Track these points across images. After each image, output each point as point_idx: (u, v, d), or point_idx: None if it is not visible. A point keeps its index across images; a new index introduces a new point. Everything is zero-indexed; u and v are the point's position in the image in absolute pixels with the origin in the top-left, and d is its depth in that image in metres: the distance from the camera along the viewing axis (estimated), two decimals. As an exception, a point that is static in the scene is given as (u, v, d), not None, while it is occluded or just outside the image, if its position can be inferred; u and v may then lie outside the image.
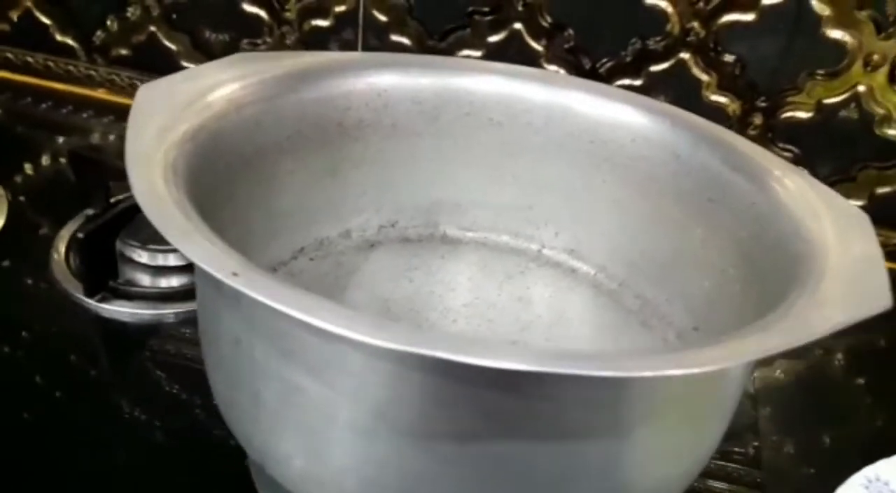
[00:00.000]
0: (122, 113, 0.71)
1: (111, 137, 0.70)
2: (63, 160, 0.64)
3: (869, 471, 0.39)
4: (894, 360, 0.54)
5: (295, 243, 0.41)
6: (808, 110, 0.58)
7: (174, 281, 0.51)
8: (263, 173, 0.37)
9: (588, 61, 0.60)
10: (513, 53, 0.61)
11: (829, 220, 0.30)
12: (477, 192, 0.45)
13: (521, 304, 0.43)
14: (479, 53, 0.62)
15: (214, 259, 0.21)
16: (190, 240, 0.23)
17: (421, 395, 0.23)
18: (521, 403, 0.23)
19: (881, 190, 0.59)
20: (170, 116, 0.31)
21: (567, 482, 0.25)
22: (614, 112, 0.40)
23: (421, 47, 0.63)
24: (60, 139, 0.68)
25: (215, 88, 0.34)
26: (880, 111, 0.56)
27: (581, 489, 0.26)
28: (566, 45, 0.60)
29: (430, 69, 0.41)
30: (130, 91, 0.72)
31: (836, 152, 0.58)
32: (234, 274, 0.21)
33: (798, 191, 0.32)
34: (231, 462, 0.37)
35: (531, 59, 0.61)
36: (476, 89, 0.42)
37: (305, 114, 0.38)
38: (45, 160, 0.64)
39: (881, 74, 0.55)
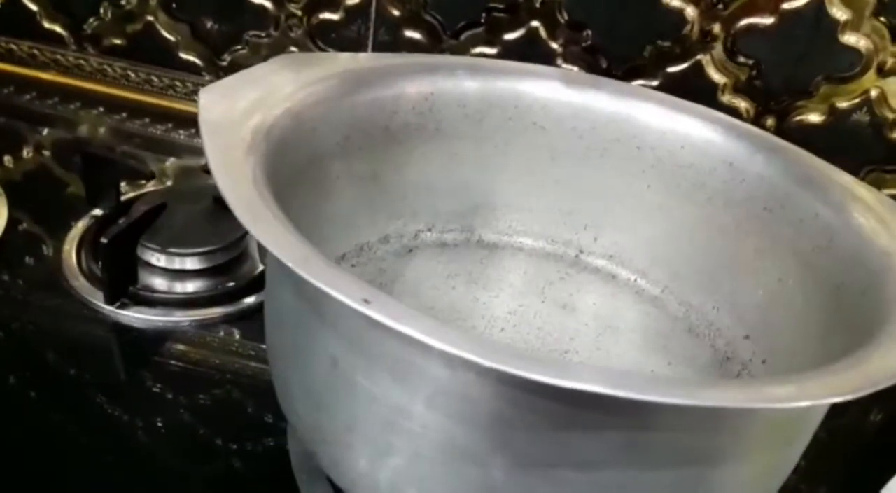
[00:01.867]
0: (112, 105, 0.68)
1: (101, 130, 0.67)
2: (48, 154, 0.61)
3: None
4: None
5: (337, 250, 0.40)
6: (820, 114, 0.58)
7: (189, 286, 0.49)
8: (316, 180, 0.36)
9: (605, 61, 0.60)
10: (529, 52, 0.60)
11: (904, 235, 0.30)
12: (514, 196, 0.44)
13: (565, 311, 0.42)
14: (493, 51, 0.61)
15: (344, 285, 0.20)
16: (310, 264, 0.21)
17: (532, 420, 0.23)
18: (631, 430, 0.23)
19: (888, 192, 0.60)
20: (239, 121, 0.29)
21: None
22: (664, 119, 0.40)
23: (434, 44, 0.61)
24: (45, 131, 0.65)
25: (274, 91, 0.33)
26: (891, 116, 0.57)
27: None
28: (583, 44, 0.60)
29: (478, 73, 0.40)
30: (123, 82, 0.69)
31: (847, 156, 0.58)
32: (366, 301, 0.20)
33: (867, 204, 0.33)
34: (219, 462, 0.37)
35: (547, 58, 0.60)
36: (522, 93, 0.41)
37: (356, 118, 0.37)
38: (26, 152, 0.61)
39: (894, 80, 0.56)
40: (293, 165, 0.33)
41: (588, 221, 0.44)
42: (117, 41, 0.68)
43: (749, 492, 0.27)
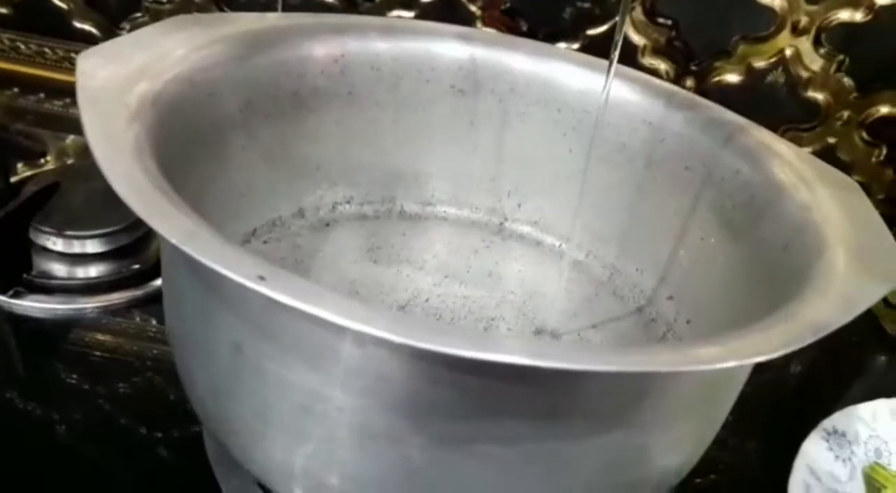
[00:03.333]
0: (1, 80, 0.63)
1: (-9, 109, 0.62)
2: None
3: (827, 423, 0.40)
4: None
5: (247, 225, 0.38)
6: (738, 74, 0.59)
7: (92, 271, 0.45)
8: (218, 150, 0.33)
9: (525, 24, 0.58)
10: (447, 15, 0.58)
11: (823, 189, 0.30)
12: (436, 164, 0.42)
13: (491, 279, 0.41)
14: (411, 14, 0.59)
15: (236, 262, 0.18)
16: (196, 239, 0.19)
17: (454, 396, 0.21)
18: (552, 399, 0.22)
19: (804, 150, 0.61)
20: (124, 88, 0.26)
21: (591, 474, 0.24)
22: (583, 79, 0.39)
23: (349, 9, 0.59)
24: (-71, 111, 0.60)
25: (165, 54, 0.30)
26: (805, 75, 0.58)
27: (604, 481, 0.25)
28: (503, 7, 0.58)
29: (390, 33, 0.38)
30: (12, 55, 0.64)
31: (764, 115, 0.59)
32: (261, 278, 0.18)
33: (786, 160, 0.32)
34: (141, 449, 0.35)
35: (466, 22, 0.58)
36: (438, 55, 0.39)
37: (258, 82, 0.34)
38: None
39: (807, 38, 0.57)
40: (189, 134, 0.30)
41: (511, 188, 0.43)
42: (3, 10, 0.62)
43: (678, 453, 0.27)
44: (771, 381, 0.50)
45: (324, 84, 0.37)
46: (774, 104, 0.60)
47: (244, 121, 0.34)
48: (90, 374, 0.39)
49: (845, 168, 0.62)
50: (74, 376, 0.40)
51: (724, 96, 0.59)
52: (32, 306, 0.43)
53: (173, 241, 0.19)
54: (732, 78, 0.59)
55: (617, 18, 0.57)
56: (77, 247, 0.45)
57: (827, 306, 0.22)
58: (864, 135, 0.60)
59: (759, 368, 0.49)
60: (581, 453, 0.22)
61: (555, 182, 0.42)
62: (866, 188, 0.63)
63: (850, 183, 0.31)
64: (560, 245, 0.43)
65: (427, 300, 0.39)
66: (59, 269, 0.45)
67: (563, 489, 0.24)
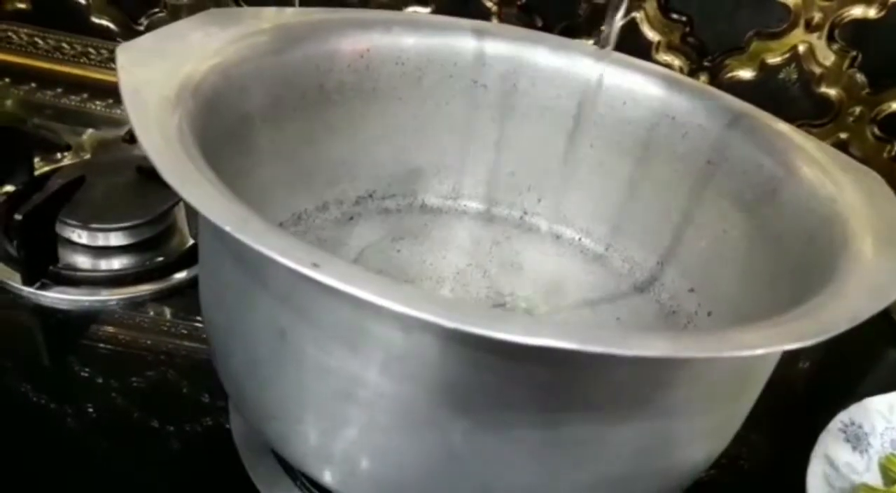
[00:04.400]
0: (18, 75, 0.64)
1: (8, 103, 0.62)
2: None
3: (844, 416, 0.41)
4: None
5: (273, 219, 0.38)
6: (751, 70, 0.59)
7: (115, 263, 0.46)
8: (247, 143, 0.34)
9: (540, 20, 0.59)
10: (462, 11, 0.58)
11: (846, 180, 0.31)
12: (457, 157, 0.43)
13: (513, 270, 0.42)
14: (427, 10, 0.59)
15: (292, 250, 0.19)
16: (252, 229, 0.20)
17: (491, 379, 0.22)
18: (582, 384, 0.22)
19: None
20: (164, 80, 0.27)
21: (620, 461, 0.24)
22: (605, 74, 0.39)
23: (363, 1, 0.59)
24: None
25: (200, 47, 0.30)
26: (818, 71, 0.58)
27: (634, 467, 0.25)
28: (518, 3, 0.58)
29: (415, 28, 0.39)
30: (31, 50, 0.64)
31: (777, 111, 0.59)
32: (315, 265, 0.19)
33: (809, 154, 0.33)
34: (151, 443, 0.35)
35: (482, 17, 0.58)
36: (461, 50, 0.40)
37: (288, 77, 0.35)
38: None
39: (820, 35, 0.57)
40: (222, 126, 0.31)
41: (531, 182, 0.44)
42: (22, 5, 0.63)
43: (707, 442, 0.27)
44: (786, 376, 0.51)
45: (349, 79, 0.38)
46: (787, 100, 0.60)
47: (273, 115, 0.35)
48: (105, 366, 0.40)
49: (857, 164, 0.62)
50: (88, 368, 0.40)
51: (737, 92, 0.59)
52: (58, 297, 0.43)
53: (227, 228, 0.19)
54: (746, 74, 0.59)
55: (632, 14, 0.58)
56: (101, 240, 0.46)
57: (858, 295, 0.23)
58: (876, 130, 0.61)
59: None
60: (614, 439, 0.23)
61: (575, 177, 0.42)
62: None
63: (870, 173, 0.31)
64: (580, 239, 0.43)
65: (451, 290, 0.40)
66: (83, 261, 0.45)
67: (596, 475, 0.24)
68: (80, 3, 0.62)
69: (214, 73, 0.30)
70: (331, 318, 0.22)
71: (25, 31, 0.63)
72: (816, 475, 0.37)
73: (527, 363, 0.21)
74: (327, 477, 0.25)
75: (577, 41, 0.41)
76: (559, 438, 0.22)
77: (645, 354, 0.18)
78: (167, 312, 0.44)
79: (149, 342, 0.42)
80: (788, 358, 0.51)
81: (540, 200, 0.44)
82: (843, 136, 0.61)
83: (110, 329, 0.42)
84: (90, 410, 0.37)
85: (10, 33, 0.63)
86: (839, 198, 0.30)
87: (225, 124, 0.31)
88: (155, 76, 0.27)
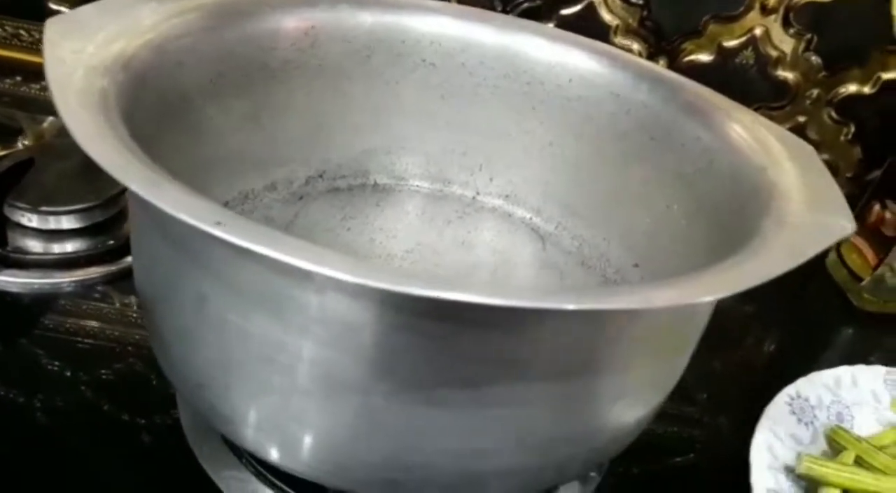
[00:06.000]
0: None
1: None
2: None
3: (791, 389, 0.42)
4: (786, 288, 0.57)
5: (218, 198, 0.38)
6: (709, 53, 0.60)
7: (69, 246, 0.46)
8: (187, 120, 0.34)
9: (500, 4, 0.59)
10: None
11: (779, 152, 0.31)
12: (409, 138, 0.43)
13: (463, 248, 0.42)
14: (386, -5, 0.59)
15: (194, 209, 0.19)
16: (164, 191, 0.20)
17: (418, 343, 0.22)
18: (517, 343, 0.22)
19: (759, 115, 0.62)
20: (92, 53, 0.27)
21: (557, 420, 0.25)
22: (552, 52, 0.40)
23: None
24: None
25: (134, 22, 0.30)
26: (774, 54, 0.59)
27: (571, 426, 0.25)
28: (477, -13, 0.59)
29: (362, 6, 0.39)
30: (-12, 37, 0.64)
31: (735, 94, 0.60)
32: (219, 223, 0.19)
33: (745, 126, 0.33)
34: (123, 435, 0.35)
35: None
36: (409, 28, 0.40)
37: (228, 53, 0.35)
38: None
39: (776, 18, 0.58)
40: (159, 103, 0.31)
41: (483, 162, 0.44)
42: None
43: (633, 403, 0.27)
44: (743, 357, 0.51)
45: (294, 57, 0.37)
46: (745, 83, 0.61)
47: (215, 92, 0.35)
48: (65, 349, 0.40)
49: (815, 147, 0.63)
50: (49, 351, 0.39)
51: (696, 76, 0.60)
52: (8, 280, 0.43)
53: (132, 187, 0.19)
54: (704, 57, 0.60)
55: (590, -1, 0.58)
56: (52, 223, 0.45)
57: (772, 256, 0.23)
58: (833, 113, 0.62)
59: (729, 345, 0.50)
60: (537, 398, 0.23)
61: (526, 156, 0.42)
62: (834, 167, 0.64)
63: (802, 144, 0.32)
64: (531, 217, 0.43)
65: (399, 266, 0.40)
66: (34, 245, 0.45)
67: (522, 435, 0.24)
68: (37, -11, 0.62)
69: (148, 48, 0.30)
70: (246, 281, 0.22)
71: (-17, 18, 0.63)
72: (760, 446, 0.38)
73: (443, 323, 0.21)
74: (255, 445, 0.25)
75: (522, 20, 0.41)
76: (480, 397, 0.22)
77: (545, 306, 0.18)
78: (118, 294, 0.44)
79: (117, 334, 0.41)
80: (748, 337, 0.52)
81: (492, 179, 0.44)
82: (801, 119, 0.62)
83: (63, 311, 0.42)
84: (59, 403, 0.37)
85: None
86: (770, 167, 0.30)
87: (160, 100, 0.31)
88: (83, 49, 0.27)
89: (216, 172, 0.37)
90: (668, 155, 0.36)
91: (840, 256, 0.57)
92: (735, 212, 0.30)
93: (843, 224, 0.25)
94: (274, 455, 0.25)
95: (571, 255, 0.41)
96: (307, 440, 0.24)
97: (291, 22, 0.36)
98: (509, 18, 0.40)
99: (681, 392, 0.45)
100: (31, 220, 0.45)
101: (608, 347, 0.24)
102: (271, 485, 0.32)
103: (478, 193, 0.44)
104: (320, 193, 0.42)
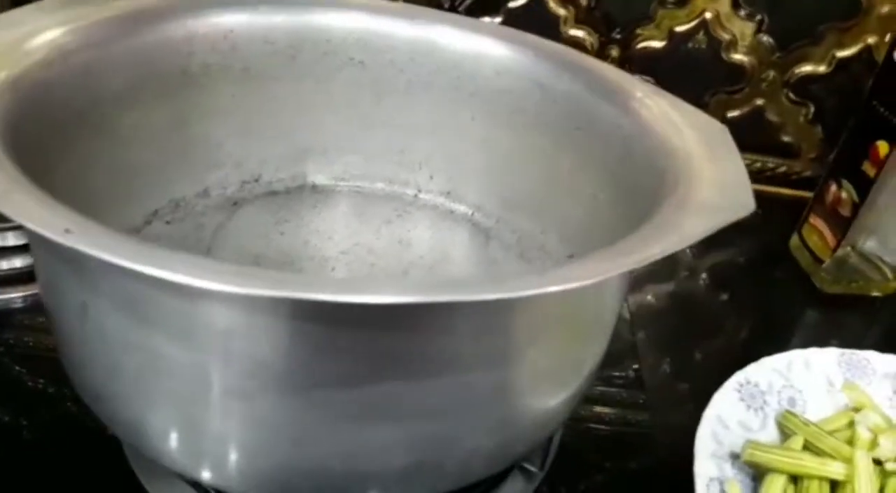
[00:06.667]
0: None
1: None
2: None
3: (740, 375, 0.41)
4: (753, 274, 0.57)
5: (147, 206, 0.38)
6: (660, 40, 0.59)
7: (17, 262, 0.46)
8: (102, 128, 0.33)
9: (447, 0, 0.59)
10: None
11: (691, 134, 0.31)
12: (345, 138, 0.43)
13: (401, 246, 0.41)
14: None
15: (43, 217, 0.19)
16: (12, 198, 0.20)
17: (290, 343, 0.22)
18: (398, 340, 0.22)
19: (731, 114, 0.62)
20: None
21: (457, 417, 0.24)
22: (478, 45, 0.39)
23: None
24: None
25: (36, 34, 0.30)
26: (727, 37, 0.58)
27: (474, 422, 0.25)
28: (423, -16, 0.58)
29: (281, 6, 0.38)
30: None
31: (690, 79, 0.60)
32: (67, 231, 0.18)
33: (661, 110, 0.33)
34: (110, 451, 0.34)
35: None
36: (333, 26, 0.39)
37: (143, 60, 0.34)
38: None
39: (726, 1, 0.57)
40: (66, 113, 0.31)
41: (421, 160, 0.43)
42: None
43: (544, 390, 0.27)
44: (712, 345, 0.51)
45: (215, 61, 0.37)
46: (700, 69, 0.60)
47: (132, 99, 0.35)
48: (21, 365, 0.40)
49: (776, 129, 0.63)
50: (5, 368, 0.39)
51: (650, 63, 0.60)
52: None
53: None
54: (656, 44, 0.59)
55: (537, -10, 0.58)
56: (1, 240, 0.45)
57: (661, 239, 0.23)
58: (791, 94, 0.61)
59: (700, 333, 0.49)
60: (413, 395, 0.23)
61: (462, 151, 0.42)
62: (797, 148, 0.64)
63: (714, 124, 0.31)
64: (472, 213, 0.43)
65: (333, 268, 0.40)
66: (-19, 262, 0.45)
67: (418, 432, 0.24)
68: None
69: (50, 60, 0.30)
70: (117, 289, 0.21)
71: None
72: (705, 435, 0.37)
73: (311, 321, 0.21)
74: (154, 454, 0.25)
75: (443, 13, 0.41)
76: (362, 397, 0.22)
77: (399, 300, 0.18)
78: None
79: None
80: (721, 324, 0.51)
81: (432, 176, 0.43)
82: (759, 102, 0.61)
83: (17, 328, 0.42)
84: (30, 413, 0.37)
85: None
86: (681, 150, 0.30)
87: (70, 110, 0.31)
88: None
89: (143, 180, 0.37)
90: (593, 144, 0.36)
91: (802, 238, 0.57)
92: (649, 197, 0.30)
93: (742, 204, 0.25)
94: (173, 465, 0.25)
95: (511, 249, 0.41)
96: (200, 447, 0.24)
97: (206, 26, 0.36)
98: (430, 11, 0.40)
99: (666, 383, 0.45)
100: (-26, 237, 0.45)
101: (505, 335, 0.24)
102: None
103: (419, 191, 0.44)
104: (256, 197, 0.42)
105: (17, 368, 0.40)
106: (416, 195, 0.44)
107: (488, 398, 0.24)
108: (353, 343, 0.22)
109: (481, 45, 0.39)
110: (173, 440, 0.24)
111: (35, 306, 0.43)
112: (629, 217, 0.32)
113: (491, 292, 0.19)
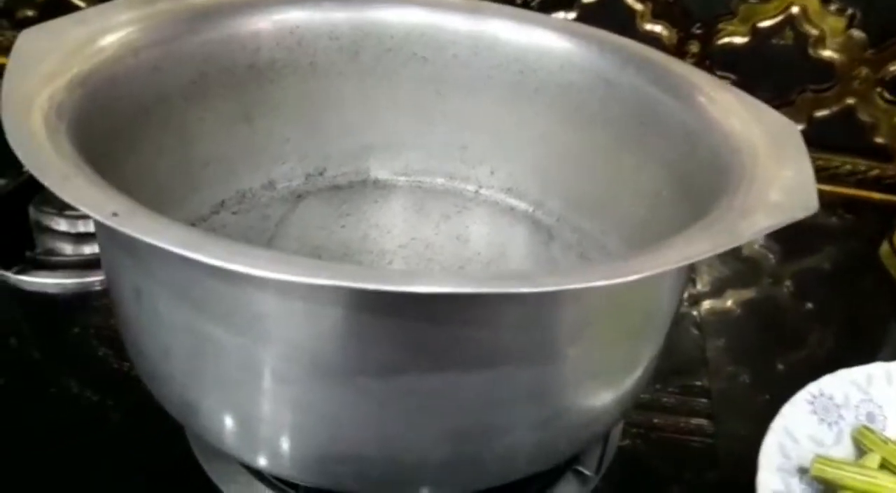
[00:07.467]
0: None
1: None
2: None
3: (813, 387, 0.39)
4: (840, 283, 0.54)
5: (215, 197, 0.39)
6: (743, 35, 0.57)
7: (98, 248, 0.48)
8: (170, 122, 0.35)
9: (519, -5, 0.58)
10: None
11: (758, 130, 0.29)
12: (407, 133, 0.43)
13: (459, 242, 0.41)
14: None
15: (95, 201, 0.19)
16: (68, 183, 0.21)
17: (336, 332, 0.22)
18: (443, 332, 0.22)
19: (819, 113, 0.59)
20: (57, 62, 0.28)
21: (498, 411, 0.24)
22: (541, 38, 0.39)
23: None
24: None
25: (108, 31, 0.31)
26: (815, 32, 0.55)
27: (514, 417, 0.25)
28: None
29: (345, 2, 0.39)
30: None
31: (774, 77, 0.57)
32: (114, 214, 0.19)
33: (727, 105, 0.31)
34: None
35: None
36: (396, 22, 0.40)
37: (210, 56, 0.36)
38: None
39: (814, -6, 0.54)
40: (134, 108, 0.32)
41: (483, 155, 0.43)
42: (30, 13, 0.66)
43: (591, 390, 0.26)
44: (795, 355, 0.48)
45: (281, 56, 0.38)
46: (785, 66, 0.57)
47: (200, 94, 0.36)
48: (102, 344, 0.42)
49: (868, 130, 0.59)
50: (88, 346, 0.41)
51: (732, 60, 0.58)
52: (39, 281, 0.45)
53: (46, 183, 0.20)
54: (738, 40, 0.57)
55: (613, -15, 0.57)
56: (81, 226, 0.48)
57: (709, 238, 0.22)
58: (885, 94, 0.57)
59: (785, 343, 0.46)
60: (454, 387, 0.22)
61: (524, 147, 0.42)
62: (891, 151, 0.60)
63: (786, 123, 0.30)
64: (533, 211, 0.42)
65: (390, 262, 0.40)
66: (64, 247, 0.47)
67: (465, 427, 0.24)
68: (81, 7, 0.65)
69: (118, 57, 0.31)
70: (167, 274, 0.22)
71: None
72: (771, 446, 0.36)
73: (359, 312, 0.21)
74: (207, 435, 0.26)
75: (509, 7, 0.40)
76: (399, 386, 0.22)
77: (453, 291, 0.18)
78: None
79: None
80: (807, 334, 0.49)
81: (493, 172, 0.43)
82: (850, 101, 0.58)
83: (97, 309, 0.44)
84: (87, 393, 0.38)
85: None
86: (746, 149, 0.28)
87: (138, 104, 0.32)
88: (47, 61, 0.28)
89: (211, 172, 0.38)
90: (656, 141, 0.35)
91: (893, 246, 0.53)
92: (712, 195, 0.29)
93: (804, 205, 0.23)
94: (220, 444, 0.26)
95: (571, 248, 0.40)
96: (244, 428, 0.24)
97: (272, 22, 0.37)
98: (495, 6, 0.40)
99: (739, 393, 0.43)
100: (60, 223, 0.47)
101: (553, 328, 0.23)
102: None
103: (480, 187, 0.43)
104: (320, 190, 0.42)
105: (104, 349, 0.42)
106: (476, 191, 0.44)
107: (530, 394, 0.24)
108: (398, 333, 0.22)
109: (544, 39, 0.39)
110: (221, 421, 0.25)
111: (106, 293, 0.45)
112: (692, 216, 0.31)
113: (530, 286, 0.19)
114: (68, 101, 0.27)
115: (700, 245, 0.21)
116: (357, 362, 0.22)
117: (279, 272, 0.19)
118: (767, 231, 0.22)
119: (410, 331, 0.22)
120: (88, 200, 0.20)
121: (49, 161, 0.21)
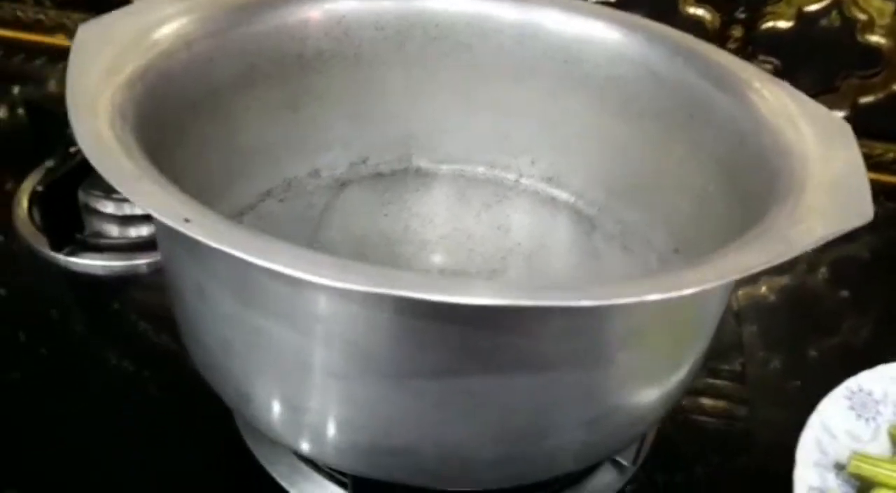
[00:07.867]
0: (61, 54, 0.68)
1: (51, 83, 0.66)
2: (21, 111, 0.62)
3: (852, 382, 0.39)
4: (878, 272, 0.54)
5: (261, 185, 0.40)
6: (788, 20, 0.56)
7: (144, 230, 0.49)
8: (218, 112, 0.35)
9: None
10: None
11: (810, 131, 0.29)
12: (450, 122, 0.43)
13: (500, 232, 0.42)
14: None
15: (166, 206, 0.20)
16: (140, 187, 0.21)
17: (390, 334, 0.23)
18: (494, 337, 0.22)
19: (864, 99, 0.58)
20: (115, 57, 0.29)
21: (547, 413, 0.25)
22: (588, 28, 0.38)
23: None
24: (16, 89, 0.65)
25: (161, 23, 0.32)
26: (862, 17, 0.54)
27: (563, 419, 0.25)
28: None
29: (391, -8, 0.39)
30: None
31: (819, 62, 0.56)
32: (187, 220, 0.20)
33: (778, 102, 0.31)
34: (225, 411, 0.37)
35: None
36: (441, 11, 0.40)
37: (260, 46, 0.36)
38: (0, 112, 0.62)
39: (864, -22, 0.53)
40: (184, 99, 0.32)
41: (525, 144, 0.43)
42: (72, -8, 0.67)
43: (644, 387, 0.27)
44: (829, 346, 0.48)
45: (328, 46, 0.38)
46: (831, 51, 0.56)
47: (248, 84, 0.36)
48: (148, 323, 0.43)
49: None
50: (134, 325, 0.43)
51: (777, 44, 0.57)
52: (88, 263, 0.47)
53: (113, 182, 0.21)
54: (783, 24, 0.56)
55: (656, -33, 0.56)
56: (128, 209, 0.49)
57: (765, 249, 0.22)
58: (934, 80, 0.56)
59: (820, 333, 0.46)
60: (505, 391, 0.23)
61: (568, 137, 0.42)
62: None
63: (837, 122, 0.29)
64: (574, 201, 0.42)
65: (432, 252, 0.40)
66: (111, 229, 0.49)
67: (513, 430, 0.24)
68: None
69: (175, 49, 0.32)
70: (230, 274, 0.23)
71: (79, 16, 0.68)
72: (808, 441, 0.36)
73: (409, 316, 0.21)
74: (257, 421, 0.27)
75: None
76: (451, 388, 0.23)
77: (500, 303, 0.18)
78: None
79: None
80: (842, 324, 0.48)
81: (534, 162, 0.43)
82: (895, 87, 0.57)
83: (144, 290, 0.46)
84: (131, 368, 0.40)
85: (64, 20, 0.68)
86: (797, 149, 0.28)
87: (188, 95, 0.33)
88: (106, 54, 0.29)
89: (258, 161, 0.39)
90: (705, 134, 0.34)
91: (936, 236, 0.53)
92: (760, 197, 0.29)
93: (859, 212, 0.23)
94: (272, 433, 0.26)
95: (614, 239, 0.40)
96: (297, 421, 0.25)
97: (320, 12, 0.37)
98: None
99: (773, 379, 0.43)
100: (107, 206, 0.48)
101: (602, 337, 0.24)
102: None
103: (521, 176, 0.44)
104: (363, 178, 0.43)
105: (144, 324, 0.43)
106: (517, 180, 0.44)
107: (579, 398, 0.24)
108: (447, 337, 0.22)
109: (590, 28, 0.38)
110: (275, 411, 0.25)
111: (159, 272, 0.46)
112: (738, 214, 0.31)
113: (585, 299, 0.19)
114: (129, 98, 0.27)
115: (754, 256, 0.21)
116: (411, 364, 0.23)
117: (341, 280, 0.19)
118: (822, 241, 0.22)
119: (462, 337, 0.22)
120: (161, 206, 0.20)
121: (121, 165, 0.22)
